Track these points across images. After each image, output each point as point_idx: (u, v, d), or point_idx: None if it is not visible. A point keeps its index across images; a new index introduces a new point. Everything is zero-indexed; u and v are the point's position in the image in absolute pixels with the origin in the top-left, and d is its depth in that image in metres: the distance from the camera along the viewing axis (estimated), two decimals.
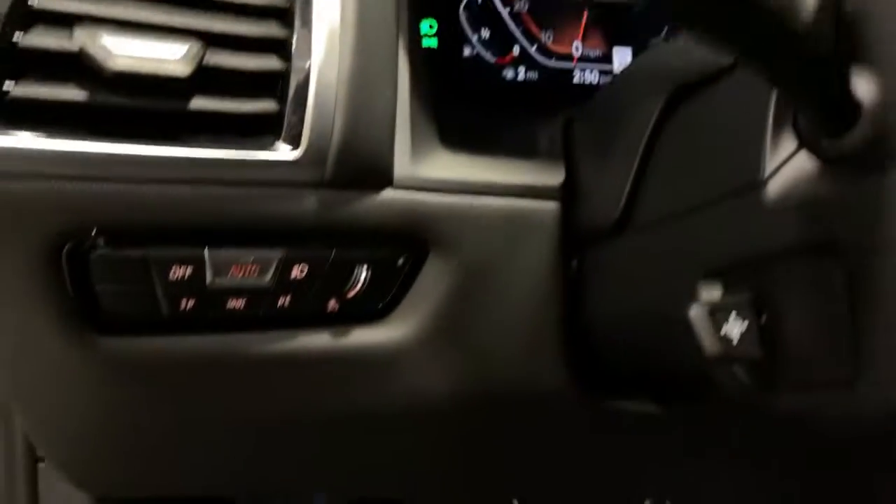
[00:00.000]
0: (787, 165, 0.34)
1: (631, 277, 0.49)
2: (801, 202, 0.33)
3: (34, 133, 0.38)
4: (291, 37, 0.44)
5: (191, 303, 0.45)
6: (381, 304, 0.52)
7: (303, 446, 0.56)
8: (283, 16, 0.45)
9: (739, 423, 0.64)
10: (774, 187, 0.34)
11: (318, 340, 0.50)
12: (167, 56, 0.39)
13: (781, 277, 0.35)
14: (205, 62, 0.41)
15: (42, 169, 0.39)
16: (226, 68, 0.42)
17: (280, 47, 0.45)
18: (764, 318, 0.36)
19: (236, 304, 0.47)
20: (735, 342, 0.35)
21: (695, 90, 0.42)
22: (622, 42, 0.63)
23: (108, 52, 0.38)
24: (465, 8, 0.60)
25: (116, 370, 0.45)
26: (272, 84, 0.44)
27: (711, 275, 0.40)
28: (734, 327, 0.36)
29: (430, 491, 0.65)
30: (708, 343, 0.36)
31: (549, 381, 0.56)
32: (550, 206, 0.53)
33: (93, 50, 0.37)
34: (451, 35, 0.59)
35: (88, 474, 0.57)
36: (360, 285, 0.50)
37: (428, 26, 0.59)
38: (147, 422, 0.49)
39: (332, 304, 0.50)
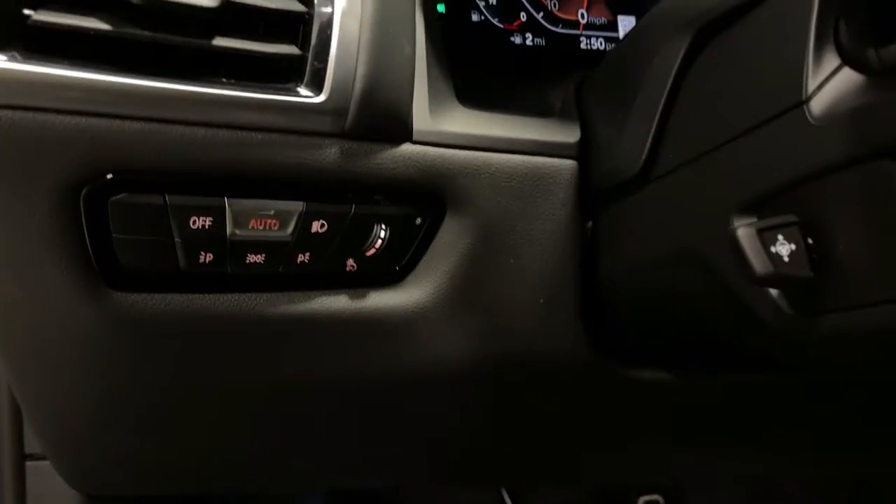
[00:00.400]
0: (831, 81, 0.34)
1: (653, 229, 0.48)
2: (848, 115, 0.33)
3: (54, 64, 0.37)
4: None
5: (209, 257, 0.43)
6: (398, 266, 0.51)
7: (315, 419, 0.54)
8: None
9: (751, 390, 0.64)
10: (819, 103, 0.34)
11: (335, 303, 0.49)
12: None
13: (828, 196, 0.35)
14: None
15: (60, 103, 0.37)
16: (249, 6, 0.41)
17: None
18: (810, 241, 0.36)
19: (255, 258, 0.45)
20: (786, 259, 0.35)
21: (720, 27, 0.42)
22: (626, 11, 0.63)
23: None
24: None
25: (128, 328, 0.43)
26: (295, 29, 0.43)
27: (745, 209, 0.39)
28: (783, 248, 0.35)
29: (440, 462, 0.63)
30: (757, 263, 0.35)
31: (564, 344, 0.55)
32: (567, 164, 0.52)
33: None
34: (458, 1, 0.59)
35: (80, 464, 0.54)
36: (378, 244, 0.49)
37: None
38: (153, 389, 0.47)
39: (351, 263, 0.49)
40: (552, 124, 0.53)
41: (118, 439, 0.51)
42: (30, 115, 0.37)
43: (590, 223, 0.55)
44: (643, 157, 0.47)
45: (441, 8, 0.58)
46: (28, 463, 0.67)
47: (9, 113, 0.36)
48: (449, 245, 0.51)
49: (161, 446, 0.52)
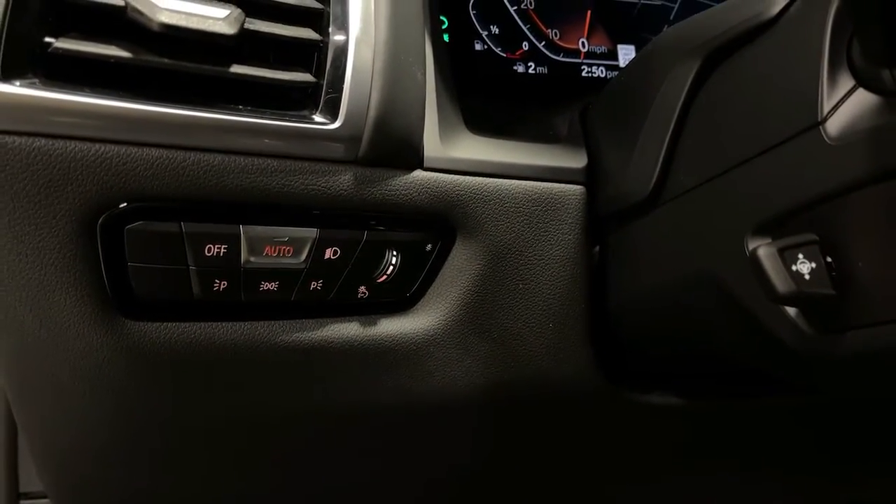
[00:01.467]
0: (846, 102, 0.35)
1: (664, 252, 0.49)
2: (864, 135, 0.34)
3: (73, 91, 0.36)
4: (328, 9, 0.44)
5: (224, 284, 0.43)
6: (409, 292, 0.51)
7: (329, 448, 0.53)
8: None
9: (760, 416, 0.65)
10: (835, 124, 0.35)
11: (347, 330, 0.49)
12: (211, 15, 0.38)
13: (847, 214, 0.35)
14: (246, 26, 0.40)
15: (79, 130, 0.37)
16: (265, 34, 0.41)
17: (317, 20, 0.44)
18: (829, 259, 0.36)
19: (269, 286, 0.45)
20: (807, 277, 0.35)
21: (729, 51, 0.43)
22: (625, 40, 0.64)
23: (156, 6, 0.36)
24: (474, 5, 0.61)
25: (141, 357, 0.42)
26: (310, 57, 0.44)
27: (760, 229, 0.40)
28: (804, 266, 0.36)
29: (453, 491, 0.62)
30: (779, 282, 0.35)
31: (574, 369, 0.55)
32: (574, 189, 0.53)
33: (140, 4, 0.36)
34: (462, 30, 0.60)
35: (83, 502, 0.53)
36: (390, 270, 0.48)
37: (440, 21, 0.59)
38: (164, 421, 0.46)
39: (363, 290, 0.48)
40: (559, 150, 0.54)
41: (126, 475, 0.50)
42: (48, 142, 0.36)
43: (597, 248, 0.55)
44: (653, 180, 0.48)
45: (445, 37, 0.59)
46: (22, 502, 0.66)
47: (27, 140, 0.36)
48: (459, 270, 0.51)
49: (170, 481, 0.51)
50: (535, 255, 0.52)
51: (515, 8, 0.62)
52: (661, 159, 0.47)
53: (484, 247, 0.50)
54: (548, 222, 0.52)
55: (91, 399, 0.43)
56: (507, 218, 0.51)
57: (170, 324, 0.43)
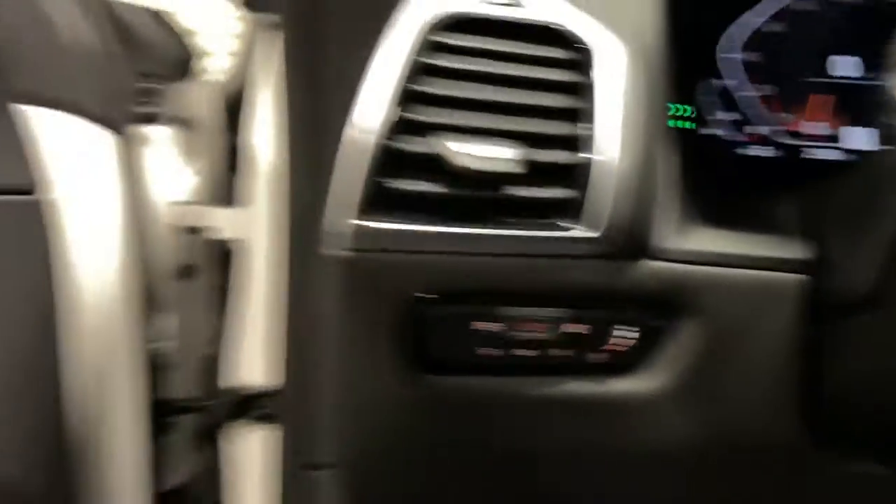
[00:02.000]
0: None
1: (875, 353, 0.53)
2: None
3: (402, 219, 0.51)
4: (589, 134, 0.54)
5: (492, 350, 0.56)
6: (635, 360, 0.60)
7: (559, 482, 0.65)
8: (578, 117, 0.55)
9: None
10: None
11: (581, 387, 0.59)
12: (500, 156, 0.50)
13: None
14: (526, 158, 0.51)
15: (403, 245, 0.51)
16: (540, 163, 0.52)
17: (574, 143, 0.54)
18: None
19: (524, 352, 0.57)
20: None
21: None
22: (850, 121, 0.68)
23: (457, 154, 0.50)
24: (703, 92, 0.67)
25: (436, 403, 0.57)
26: (568, 175, 0.54)
27: None
28: None
29: None
30: None
31: (783, 438, 0.61)
32: (795, 278, 0.58)
33: (446, 154, 0.49)
34: (691, 117, 0.67)
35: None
36: (621, 342, 0.58)
37: (673, 109, 0.67)
38: (449, 451, 0.60)
39: (597, 357, 0.59)
40: (782, 239, 0.59)
41: (404, 477, 0.64)
42: (384, 255, 0.52)
43: (814, 333, 0.60)
44: (872, 282, 0.52)
45: (679, 124, 0.66)
46: (314, 473, 0.79)
47: (371, 255, 0.52)
48: (682, 346, 0.58)
49: (433, 491, 0.65)
50: (752, 337, 0.58)
51: (742, 93, 0.68)
52: (881, 266, 0.51)
53: (706, 327, 0.58)
54: (767, 308, 0.58)
55: (392, 434, 0.58)
56: (729, 304, 0.57)
57: (452, 377, 0.57)
